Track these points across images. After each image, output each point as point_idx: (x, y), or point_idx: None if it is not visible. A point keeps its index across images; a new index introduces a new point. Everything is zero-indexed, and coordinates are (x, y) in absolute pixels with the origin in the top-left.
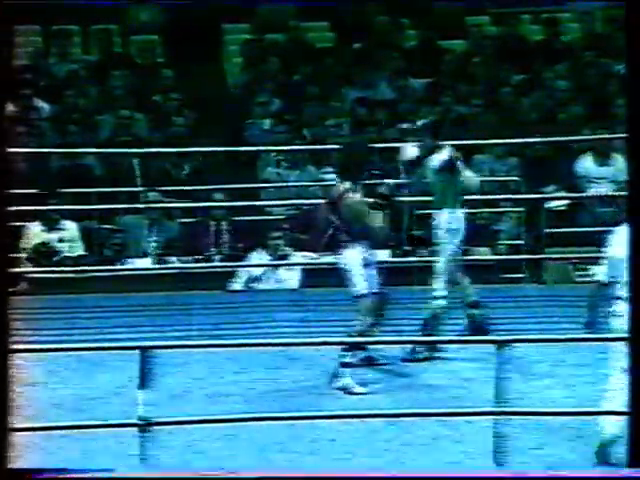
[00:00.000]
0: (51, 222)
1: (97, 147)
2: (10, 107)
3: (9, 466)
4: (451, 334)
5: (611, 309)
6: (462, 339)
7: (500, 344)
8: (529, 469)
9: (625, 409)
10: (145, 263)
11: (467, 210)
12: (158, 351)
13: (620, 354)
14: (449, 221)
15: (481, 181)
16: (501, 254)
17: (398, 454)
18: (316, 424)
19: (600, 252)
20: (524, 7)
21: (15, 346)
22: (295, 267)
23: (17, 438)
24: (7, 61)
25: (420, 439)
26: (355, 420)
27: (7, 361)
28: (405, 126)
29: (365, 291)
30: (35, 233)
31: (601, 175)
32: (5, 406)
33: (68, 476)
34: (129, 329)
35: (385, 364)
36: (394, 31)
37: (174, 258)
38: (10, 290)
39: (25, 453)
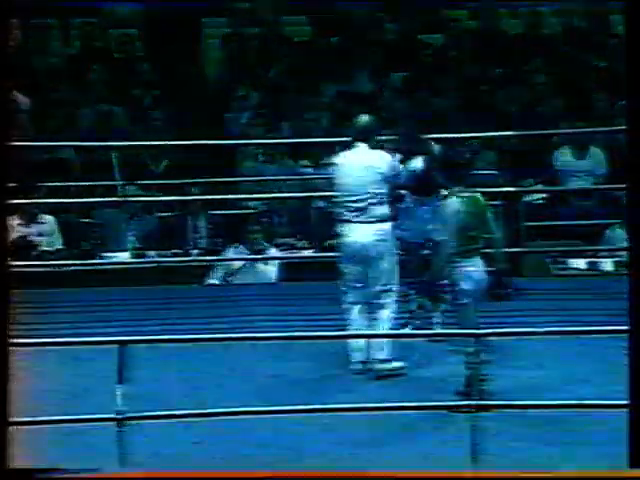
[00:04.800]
0: (30, 216)
1: (76, 141)
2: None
3: (9, 465)
4: None
5: None
6: (443, 332)
7: (479, 337)
8: (526, 468)
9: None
10: (124, 257)
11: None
12: (136, 345)
13: None
14: None
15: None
16: None
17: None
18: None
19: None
20: (503, 1)
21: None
22: (273, 260)
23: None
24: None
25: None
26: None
27: (7, 356)
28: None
29: None
30: (13, 227)
31: (579, 168)
32: (5, 402)
33: (67, 476)
34: (107, 323)
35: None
36: (372, 25)
37: (153, 252)
38: (10, 284)
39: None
